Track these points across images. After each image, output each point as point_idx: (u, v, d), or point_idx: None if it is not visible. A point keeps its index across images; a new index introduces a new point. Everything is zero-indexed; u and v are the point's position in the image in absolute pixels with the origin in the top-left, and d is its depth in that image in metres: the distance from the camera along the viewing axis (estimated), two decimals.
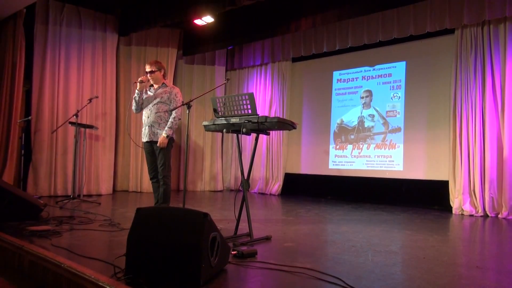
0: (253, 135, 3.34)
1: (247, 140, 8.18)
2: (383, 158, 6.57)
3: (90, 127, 6.08)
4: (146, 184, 7.30)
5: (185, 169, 3.63)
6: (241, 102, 3.17)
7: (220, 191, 8.26)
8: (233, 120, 3.22)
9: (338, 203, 6.39)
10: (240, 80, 8.65)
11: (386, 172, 6.53)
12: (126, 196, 6.75)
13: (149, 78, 4.27)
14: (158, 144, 4.10)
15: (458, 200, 5.50)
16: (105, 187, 6.89)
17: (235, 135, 3.43)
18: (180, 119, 4.23)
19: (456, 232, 4.35)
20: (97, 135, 6.84)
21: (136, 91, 4.29)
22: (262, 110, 7.96)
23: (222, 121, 3.31)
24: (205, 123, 3.49)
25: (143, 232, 2.19)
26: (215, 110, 3.39)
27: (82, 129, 6.11)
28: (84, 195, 6.23)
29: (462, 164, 5.52)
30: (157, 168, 4.21)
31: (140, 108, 4.36)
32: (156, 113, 4.20)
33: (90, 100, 5.84)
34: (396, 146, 6.45)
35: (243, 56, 8.48)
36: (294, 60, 7.85)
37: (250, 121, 3.10)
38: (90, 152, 6.71)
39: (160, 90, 4.27)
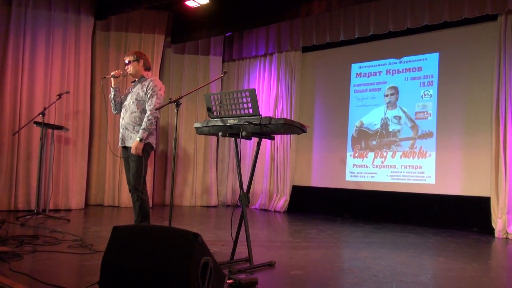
0: (255, 139, 3.33)
1: (248, 146, 8.18)
2: (411, 168, 6.55)
3: (59, 128, 6.08)
4: (125, 197, 7.28)
5: (172, 180, 3.62)
6: (240, 100, 3.17)
7: (215, 206, 8.25)
8: (231, 121, 3.22)
9: (356, 223, 6.37)
10: (239, 74, 8.66)
11: (414, 186, 6.51)
12: (100, 212, 6.74)
13: (127, 71, 4.27)
14: (132, 151, 4.07)
15: (501, 221, 5.47)
16: (76, 200, 6.89)
17: (232, 139, 3.43)
18: (157, 117, 4.18)
19: (500, 259, 4.33)
20: (68, 138, 6.84)
21: (111, 88, 4.29)
22: (266, 109, 7.96)
23: (217, 122, 3.31)
24: (197, 124, 3.49)
25: (121, 255, 2.18)
26: (209, 109, 3.39)
27: (50, 131, 6.11)
28: (50, 210, 6.22)
29: (506, 177, 5.50)
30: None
31: (119, 109, 4.36)
32: (131, 113, 4.18)
33: (60, 96, 5.85)
34: (427, 155, 6.44)
35: (243, 45, 8.50)
36: (305, 50, 7.86)
37: (251, 122, 3.10)
38: (59, 158, 6.71)
39: (137, 86, 4.27)
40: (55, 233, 4.44)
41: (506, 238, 5.37)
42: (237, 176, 7.88)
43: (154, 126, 4.18)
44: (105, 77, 4.33)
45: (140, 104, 4.17)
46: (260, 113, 3.14)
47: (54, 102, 6.02)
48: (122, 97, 4.37)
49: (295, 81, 7.81)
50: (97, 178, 7.42)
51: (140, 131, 4.07)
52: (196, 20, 7.67)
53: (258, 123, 3.08)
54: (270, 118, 3.07)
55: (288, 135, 7.67)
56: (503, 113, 5.59)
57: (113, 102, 4.33)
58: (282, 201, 7.68)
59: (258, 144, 3.39)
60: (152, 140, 4.19)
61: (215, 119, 3.35)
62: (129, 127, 4.17)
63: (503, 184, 5.51)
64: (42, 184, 5.88)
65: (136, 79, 4.31)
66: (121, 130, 4.25)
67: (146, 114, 4.11)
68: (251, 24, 7.39)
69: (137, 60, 4.26)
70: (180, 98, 3.67)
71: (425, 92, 6.56)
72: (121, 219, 6.18)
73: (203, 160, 8.33)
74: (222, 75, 3.87)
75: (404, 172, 6.63)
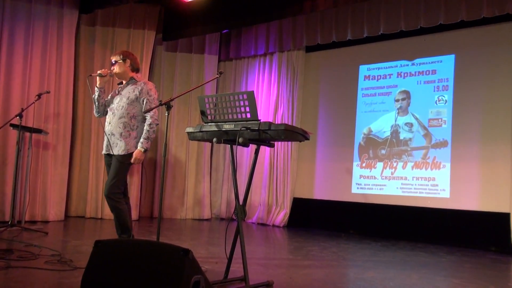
0: (253, 147, 3.33)
1: (245, 154, 8.17)
2: (424, 181, 6.56)
3: (38, 131, 6.06)
4: (109, 209, 7.24)
5: (161, 190, 3.62)
6: (237, 103, 3.17)
7: (207, 220, 8.23)
8: (227, 126, 3.22)
9: (363, 240, 6.36)
10: (237, 74, 8.68)
11: (427, 200, 6.51)
12: (82, 224, 6.71)
13: (113, 71, 4.29)
14: (132, 161, 4.08)
15: None
16: (55, 211, 6.86)
17: (228, 146, 3.42)
18: (158, 124, 4.22)
19: None
20: (47, 142, 6.83)
21: (96, 88, 4.30)
22: (265, 114, 7.97)
23: (211, 127, 3.31)
24: (190, 129, 3.49)
25: (103, 272, 2.17)
26: (203, 113, 3.39)
27: (27, 134, 6.10)
28: (26, 222, 6.19)
29: None
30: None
31: (103, 112, 4.37)
32: (119, 118, 4.19)
33: (39, 96, 5.84)
34: (441, 166, 6.44)
35: (241, 43, 8.52)
36: (309, 49, 7.88)
37: (248, 128, 3.10)
38: (37, 164, 6.69)
39: (127, 88, 4.27)
40: (31, 247, 4.40)
41: None
42: (232, 187, 7.87)
43: (155, 135, 4.21)
44: (91, 75, 4.34)
45: (131, 109, 4.18)
46: (259, 118, 3.14)
47: (33, 102, 6.00)
48: (107, 99, 4.37)
49: (298, 84, 7.82)
50: (78, 187, 7.39)
51: (143, 140, 4.10)
52: (190, 15, 7.69)
53: (257, 128, 3.08)
54: (270, 123, 3.07)
55: (289, 143, 7.68)
56: None
57: (96, 103, 4.33)
58: (281, 215, 7.66)
59: (256, 152, 3.39)
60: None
61: (209, 123, 3.35)
62: (116, 133, 4.17)
63: None
64: (17, 193, 5.85)
65: (124, 81, 4.32)
66: (106, 136, 4.25)
67: (148, 122, 4.12)
68: (250, 21, 7.41)
69: (123, 60, 4.27)
70: (172, 100, 3.67)
71: (440, 97, 6.58)
72: (104, 232, 6.15)
73: (196, 169, 8.31)
74: (217, 76, 3.87)
75: (415, 184, 6.63)
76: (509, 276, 4.58)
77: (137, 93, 4.19)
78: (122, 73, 4.29)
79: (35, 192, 6.65)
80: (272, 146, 3.45)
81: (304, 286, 3.45)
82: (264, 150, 7.81)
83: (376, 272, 4.10)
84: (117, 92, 4.34)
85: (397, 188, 6.79)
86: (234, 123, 3.20)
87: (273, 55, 8.13)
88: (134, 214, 7.12)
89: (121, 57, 4.28)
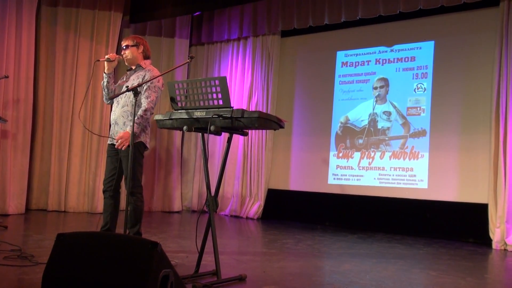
0: (225, 135, 3.33)
1: (217, 143, 8.16)
2: (402, 171, 6.66)
3: None
4: (73, 201, 7.21)
5: (128, 181, 3.59)
6: (209, 89, 3.17)
7: (177, 212, 8.22)
8: (198, 113, 3.21)
9: (339, 232, 6.44)
10: (209, 59, 8.64)
11: (405, 191, 6.62)
12: (43, 217, 6.64)
13: (124, 56, 4.21)
14: (116, 140, 3.94)
15: (499, 231, 5.61)
16: (15, 204, 6.76)
17: (199, 135, 3.42)
18: (152, 113, 4.09)
19: (497, 273, 4.44)
20: (6, 131, 6.71)
21: (104, 74, 4.23)
22: (239, 101, 7.96)
23: (182, 114, 3.30)
24: (159, 117, 3.48)
25: (66, 267, 2.15)
26: (172, 100, 3.37)
27: None
28: None
29: (506, 181, 5.62)
30: (115, 179, 4.15)
31: (113, 98, 4.27)
32: (122, 107, 4.13)
33: None
34: (419, 156, 6.55)
35: (214, 27, 8.47)
36: (284, 34, 7.88)
37: (220, 115, 3.10)
38: None
39: (133, 75, 4.22)
40: None
41: (505, 249, 5.49)
42: (203, 178, 7.86)
43: (148, 123, 4.12)
44: (98, 60, 4.26)
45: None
46: (232, 105, 3.14)
47: None
48: (116, 85, 4.30)
49: (273, 70, 7.82)
50: (40, 178, 7.29)
51: (134, 124, 4.01)
52: None
53: (229, 116, 3.08)
54: (243, 110, 3.08)
55: (264, 131, 7.69)
56: (504, 110, 5.71)
57: (105, 90, 4.27)
58: (255, 207, 7.69)
59: (229, 141, 3.39)
60: (145, 139, 4.13)
61: (180, 111, 3.34)
62: (119, 122, 4.10)
63: (502, 190, 5.63)
64: None
65: (132, 68, 4.26)
66: (110, 126, 4.21)
67: (142, 108, 4.02)
68: (223, 3, 7.37)
69: (136, 45, 4.20)
70: (139, 85, 3.64)
71: (418, 85, 6.67)
72: (67, 226, 6.09)
73: (166, 159, 8.28)
74: (188, 61, 3.84)
75: (393, 175, 6.73)
76: (486, 267, 4.70)
77: (141, 80, 4.11)
78: (133, 59, 4.21)
79: None
80: (245, 134, 3.46)
81: (278, 279, 3.48)
82: (238, 139, 7.82)
83: (352, 265, 4.16)
84: (124, 79, 4.28)
85: (374, 178, 6.88)
86: (205, 110, 3.20)
87: (247, 40, 8.11)
88: (100, 207, 7.08)
89: (135, 42, 4.21)
